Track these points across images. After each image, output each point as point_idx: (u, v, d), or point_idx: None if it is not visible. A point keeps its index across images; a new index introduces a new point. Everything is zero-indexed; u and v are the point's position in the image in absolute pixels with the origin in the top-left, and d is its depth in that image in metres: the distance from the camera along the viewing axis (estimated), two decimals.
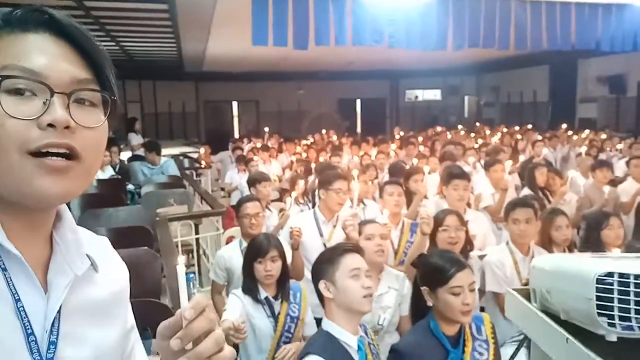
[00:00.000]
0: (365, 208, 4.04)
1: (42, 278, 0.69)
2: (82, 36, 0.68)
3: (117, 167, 6.29)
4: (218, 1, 6.40)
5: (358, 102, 18.77)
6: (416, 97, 18.99)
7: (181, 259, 0.70)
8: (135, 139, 9.21)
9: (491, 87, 16.97)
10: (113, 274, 0.81)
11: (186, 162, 8.92)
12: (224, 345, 0.68)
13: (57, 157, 0.64)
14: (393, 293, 2.53)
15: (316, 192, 4.62)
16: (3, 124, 0.62)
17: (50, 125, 0.63)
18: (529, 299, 0.73)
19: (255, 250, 2.39)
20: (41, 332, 0.66)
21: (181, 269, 0.69)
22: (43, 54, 0.65)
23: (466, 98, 18.72)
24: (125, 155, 8.89)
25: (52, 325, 0.67)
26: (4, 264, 0.65)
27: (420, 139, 9.85)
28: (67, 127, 0.64)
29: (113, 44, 9.53)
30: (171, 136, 15.60)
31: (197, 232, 4.50)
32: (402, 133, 11.47)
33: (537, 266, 0.74)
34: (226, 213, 4.73)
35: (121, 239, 2.93)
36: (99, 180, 5.56)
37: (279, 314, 2.36)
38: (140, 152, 8.76)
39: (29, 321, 0.65)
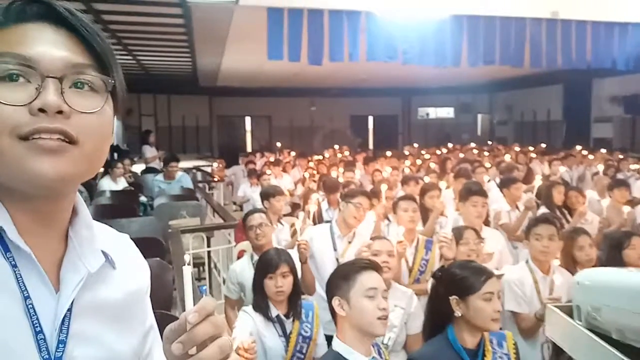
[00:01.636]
0: (390, 224, 3.99)
1: (56, 274, 0.68)
2: (81, 24, 0.67)
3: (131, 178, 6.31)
4: (234, 16, 6.46)
5: (370, 118, 18.79)
6: (427, 114, 18.97)
7: (187, 258, 0.67)
8: (149, 152, 9.26)
9: (505, 106, 16.91)
10: (132, 272, 0.78)
11: (199, 176, 8.94)
12: (230, 352, 0.65)
13: (49, 140, 0.62)
14: (399, 311, 2.46)
15: (325, 210, 4.61)
16: None
17: (42, 110, 0.62)
18: (571, 317, 0.68)
19: (265, 265, 2.32)
20: (50, 330, 0.65)
21: (187, 270, 0.66)
22: (38, 41, 0.64)
23: (479, 116, 18.67)
24: (139, 167, 8.95)
25: (62, 323, 0.65)
26: (14, 261, 0.64)
27: (426, 156, 9.79)
28: (60, 112, 0.62)
29: (130, 57, 9.64)
30: (184, 150, 15.68)
31: (208, 245, 4.47)
32: (408, 151, 11.42)
33: (581, 281, 0.69)
34: (238, 226, 4.69)
35: None
36: (112, 192, 5.59)
37: (290, 333, 2.27)
38: (154, 164, 8.82)
39: (37, 319, 0.64)
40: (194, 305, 0.63)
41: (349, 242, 3.13)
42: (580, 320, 0.67)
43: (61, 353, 0.65)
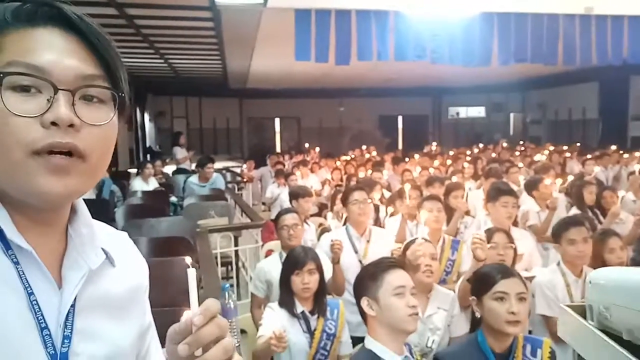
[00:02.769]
0: (419, 225, 3.96)
1: (57, 272, 0.68)
2: (92, 31, 0.67)
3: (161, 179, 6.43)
4: (262, 19, 6.52)
5: (400, 118, 18.65)
6: (458, 114, 18.69)
7: (188, 260, 0.67)
8: (180, 153, 9.44)
9: (538, 104, 16.51)
10: (131, 269, 0.79)
11: (228, 176, 9.05)
12: (233, 353, 0.67)
13: (60, 155, 0.63)
14: (442, 314, 2.41)
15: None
16: (6, 122, 0.61)
17: (54, 123, 0.62)
18: (584, 317, 0.67)
19: (293, 262, 2.36)
20: (55, 326, 0.65)
21: (191, 272, 0.66)
22: (49, 50, 0.64)
23: (512, 115, 18.29)
24: (171, 168, 9.13)
25: (66, 319, 0.66)
26: (16, 258, 0.64)
27: (451, 153, 9.64)
28: (71, 125, 0.63)
29: (162, 61, 9.85)
30: (215, 151, 15.90)
31: (236, 245, 4.53)
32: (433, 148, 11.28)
33: (594, 281, 0.67)
34: (265, 227, 4.74)
35: (161, 248, 2.97)
36: (144, 192, 5.72)
37: (314, 329, 2.30)
38: (185, 165, 8.97)
39: (42, 315, 0.64)
40: (199, 307, 0.65)
41: (368, 241, 3.12)
42: (592, 321, 0.66)
43: (67, 349, 0.65)
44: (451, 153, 10.52)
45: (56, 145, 0.62)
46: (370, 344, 1.77)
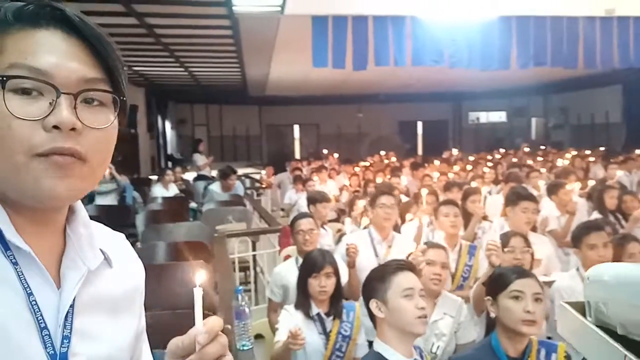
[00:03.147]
0: (435, 230, 3.94)
1: (55, 272, 0.68)
2: (93, 34, 0.67)
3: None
4: (280, 26, 6.58)
5: (419, 124, 18.56)
6: (478, 119, 18.52)
7: (199, 279, 0.68)
8: (200, 160, 9.56)
9: (560, 109, 16.27)
10: (128, 270, 0.80)
11: (247, 182, 9.13)
12: None
13: (64, 157, 0.63)
14: (449, 320, 2.41)
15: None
16: (9, 125, 0.61)
17: (56, 127, 0.62)
18: (584, 314, 0.66)
19: (310, 265, 2.39)
20: (54, 326, 0.65)
21: (198, 291, 0.67)
22: (51, 52, 0.64)
23: (533, 120, 18.04)
24: (191, 175, 9.25)
25: (65, 319, 0.66)
26: (15, 259, 0.64)
27: (471, 158, 9.54)
28: (73, 129, 0.63)
29: (182, 69, 10.00)
30: (235, 158, 16.06)
31: (254, 250, 4.56)
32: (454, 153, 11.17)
33: (592, 276, 0.67)
34: (283, 232, 4.76)
35: (179, 253, 3.01)
36: (164, 198, 5.80)
37: (330, 331, 2.32)
38: (205, 171, 9.08)
39: (42, 315, 0.64)
40: (202, 324, 0.66)
41: (389, 247, 3.11)
42: (590, 317, 0.66)
43: (66, 349, 0.65)
44: (471, 158, 10.44)
45: (58, 150, 0.62)
46: (378, 346, 1.78)
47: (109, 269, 0.74)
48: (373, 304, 1.82)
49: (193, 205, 6.03)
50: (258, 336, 2.96)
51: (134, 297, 0.80)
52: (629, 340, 0.58)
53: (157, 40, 7.23)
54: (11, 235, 0.64)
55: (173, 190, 6.30)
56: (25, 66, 0.62)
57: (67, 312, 0.66)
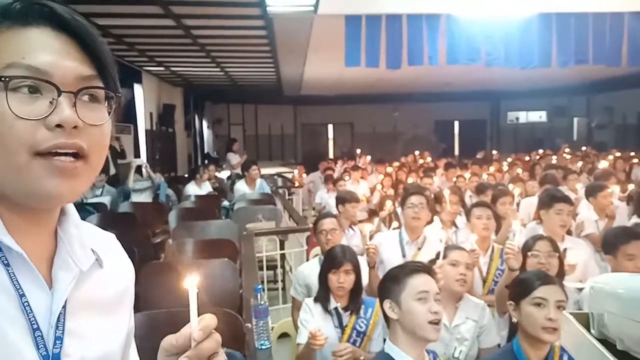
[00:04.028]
0: (458, 231, 3.88)
1: (47, 273, 0.68)
2: (83, 31, 0.66)
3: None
4: (314, 26, 6.60)
5: (456, 123, 18.25)
6: (517, 118, 18.06)
7: (193, 280, 0.68)
8: (234, 159, 9.69)
9: (604, 108, 15.68)
10: (119, 270, 0.80)
11: (279, 182, 9.19)
12: None
13: (65, 157, 0.63)
14: (471, 324, 2.36)
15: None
16: (12, 125, 0.61)
17: (59, 125, 0.62)
18: (588, 326, 0.63)
19: (331, 261, 2.43)
20: (47, 327, 0.65)
21: (193, 291, 0.67)
22: (47, 51, 0.63)
23: (575, 120, 17.46)
24: (226, 173, 9.39)
25: (58, 320, 0.66)
26: (6, 260, 0.64)
27: (509, 159, 9.28)
28: (75, 127, 0.63)
29: (218, 69, 10.16)
30: (270, 157, 16.21)
31: (282, 248, 4.58)
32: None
33: (596, 286, 0.64)
34: (312, 231, 4.77)
35: (207, 250, 3.06)
36: (197, 196, 5.91)
37: (346, 326, 2.37)
38: (239, 170, 9.20)
39: (34, 316, 0.64)
40: (197, 322, 0.66)
41: (419, 249, 3.08)
42: (594, 329, 0.62)
43: (58, 350, 0.66)
44: (509, 159, 10.19)
45: (62, 145, 0.62)
46: (389, 348, 1.76)
47: (100, 270, 0.74)
48: (386, 304, 1.81)
49: (226, 203, 6.11)
50: (284, 335, 2.98)
51: (124, 297, 0.80)
52: (630, 357, 0.55)
53: (194, 41, 7.37)
54: (3, 235, 0.64)
55: (206, 189, 6.40)
56: (24, 65, 0.62)
57: (60, 313, 0.67)
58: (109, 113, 0.70)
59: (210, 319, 0.67)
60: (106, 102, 0.70)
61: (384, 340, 2.22)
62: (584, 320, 0.65)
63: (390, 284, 1.83)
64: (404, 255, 3.06)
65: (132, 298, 0.83)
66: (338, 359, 2.17)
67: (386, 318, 1.85)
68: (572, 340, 0.66)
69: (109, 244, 0.81)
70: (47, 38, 0.64)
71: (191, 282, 0.68)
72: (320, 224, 3.09)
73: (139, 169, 5.94)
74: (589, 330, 0.64)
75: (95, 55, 0.67)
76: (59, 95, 0.63)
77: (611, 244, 2.66)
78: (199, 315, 0.67)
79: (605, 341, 0.60)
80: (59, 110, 0.62)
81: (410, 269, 1.84)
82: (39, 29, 0.64)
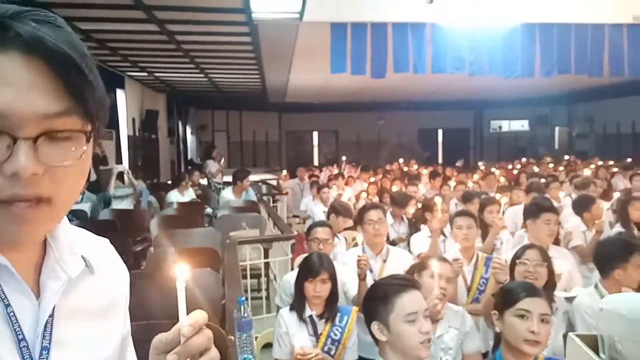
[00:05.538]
0: (446, 240, 3.85)
1: (35, 281, 0.66)
2: (57, 56, 0.56)
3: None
4: (299, 33, 6.58)
5: (440, 132, 18.41)
6: (500, 127, 18.29)
7: (181, 273, 0.66)
8: (213, 166, 9.57)
9: (585, 118, 15.96)
10: (111, 276, 0.78)
11: (264, 189, 9.11)
12: None
13: (25, 203, 0.57)
14: (454, 332, 2.35)
15: (390, 225, 4.50)
16: None
17: (15, 173, 0.56)
18: (595, 349, 0.59)
19: (307, 270, 2.42)
20: (33, 337, 0.64)
21: (181, 285, 0.65)
22: (7, 85, 0.55)
23: (557, 129, 17.73)
24: (204, 181, 9.27)
25: (45, 330, 0.64)
26: None
27: (496, 172, 9.34)
28: (34, 174, 0.56)
29: (202, 75, 10.08)
30: (254, 164, 16.15)
31: (266, 257, 4.52)
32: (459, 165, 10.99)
33: (609, 308, 0.60)
34: (298, 239, 4.71)
35: (189, 259, 2.98)
36: (179, 203, 5.81)
37: (320, 334, 2.36)
38: (217, 179, 9.10)
39: (19, 327, 0.63)
40: (187, 318, 0.64)
41: (384, 261, 3.05)
42: (604, 353, 0.58)
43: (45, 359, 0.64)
44: (493, 169, 10.25)
45: (18, 197, 0.57)
46: None
47: (91, 276, 0.72)
48: (374, 327, 1.75)
49: (209, 210, 6.03)
50: (269, 345, 2.92)
51: (117, 303, 0.78)
52: None
53: (178, 46, 7.30)
54: None
55: (189, 196, 6.31)
56: None
57: (47, 322, 0.65)
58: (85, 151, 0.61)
59: (200, 315, 0.65)
60: (85, 135, 0.61)
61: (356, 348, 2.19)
62: (592, 342, 0.61)
63: (377, 304, 1.76)
64: (371, 271, 3.01)
65: (126, 302, 0.81)
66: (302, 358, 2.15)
67: (373, 336, 1.80)
68: None
69: (101, 249, 0.79)
70: (12, 67, 0.55)
71: (180, 275, 0.66)
72: (314, 232, 3.05)
73: (120, 176, 5.84)
74: (597, 353, 0.61)
75: (70, 84, 0.58)
76: (15, 142, 0.55)
77: (611, 262, 2.59)
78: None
79: None
80: (14, 159, 0.55)
81: (398, 286, 1.77)
82: (6, 55, 0.55)
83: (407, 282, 1.80)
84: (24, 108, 0.55)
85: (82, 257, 0.72)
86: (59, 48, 0.56)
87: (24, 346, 0.63)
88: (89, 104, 0.59)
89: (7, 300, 0.62)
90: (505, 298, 1.85)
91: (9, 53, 0.55)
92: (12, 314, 0.62)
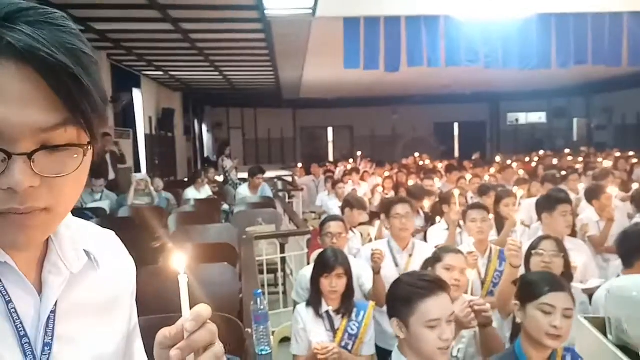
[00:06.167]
0: (462, 232, 3.84)
1: (37, 277, 0.66)
2: (52, 66, 0.53)
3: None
4: (312, 29, 6.58)
5: (456, 125, 18.26)
6: (517, 120, 18.08)
7: (182, 265, 0.65)
8: (228, 162, 9.63)
9: (603, 109, 15.70)
10: (116, 270, 0.77)
11: (279, 185, 9.15)
12: (222, 359, 0.66)
13: (21, 214, 0.57)
14: None
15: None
16: None
17: (10, 188, 0.55)
18: (604, 331, 0.60)
19: (323, 265, 2.41)
20: (35, 333, 0.63)
21: (183, 279, 0.64)
22: (1, 99, 0.53)
23: (575, 120, 17.47)
24: (220, 178, 9.32)
25: (47, 326, 0.64)
26: None
27: (513, 165, 9.24)
28: (31, 186, 0.56)
29: (217, 73, 10.15)
30: (270, 160, 16.22)
31: (282, 252, 4.55)
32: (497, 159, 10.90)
33: (615, 291, 0.60)
34: (313, 234, 4.73)
35: (206, 254, 3.02)
36: (196, 200, 5.87)
37: (337, 329, 2.36)
38: (232, 176, 9.14)
39: (21, 323, 0.62)
40: (190, 312, 0.63)
41: (410, 255, 3.04)
42: (611, 335, 0.59)
43: (47, 356, 0.64)
44: (509, 162, 10.16)
45: (15, 211, 0.56)
46: (398, 358, 1.71)
47: (95, 271, 0.71)
48: (394, 323, 1.72)
49: (225, 207, 6.07)
50: (286, 339, 2.95)
51: (123, 296, 0.77)
52: None
53: (193, 45, 7.36)
54: None
55: (206, 192, 6.37)
56: None
57: (49, 318, 0.64)
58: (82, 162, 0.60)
59: (203, 309, 0.64)
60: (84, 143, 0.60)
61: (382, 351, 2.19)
62: (600, 325, 0.62)
63: (400, 303, 1.70)
64: (397, 265, 3.02)
65: (133, 295, 0.80)
66: (321, 357, 2.14)
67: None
68: (588, 346, 0.63)
69: (106, 242, 0.78)
70: (4, 79, 0.53)
71: (180, 267, 0.64)
72: (327, 226, 3.06)
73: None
74: (605, 335, 0.61)
75: (66, 95, 0.55)
76: (9, 158, 0.54)
77: (628, 254, 2.57)
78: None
79: (625, 348, 0.57)
80: (9, 174, 0.54)
81: (424, 289, 1.67)
82: (0, 64, 0.53)
83: (434, 284, 1.70)
84: (18, 123, 0.54)
85: (86, 251, 0.71)
86: (54, 57, 0.53)
87: (26, 342, 0.62)
88: (86, 114, 0.57)
89: (9, 297, 0.62)
90: (529, 290, 1.82)
91: (3, 62, 0.53)
92: (13, 310, 0.62)
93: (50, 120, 0.55)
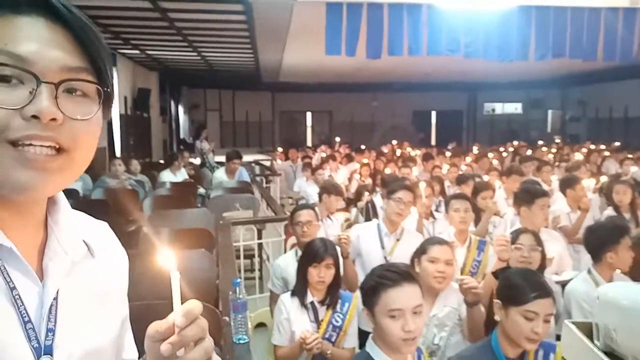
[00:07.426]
0: (435, 222, 3.88)
1: (38, 264, 0.68)
2: (78, 23, 0.65)
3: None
4: (294, 12, 6.49)
5: (433, 114, 18.39)
6: (493, 110, 18.30)
7: (171, 260, 0.65)
8: (205, 145, 9.51)
9: (578, 101, 16.01)
10: (111, 259, 0.80)
11: (257, 169, 9.09)
12: (212, 354, 0.68)
13: (40, 149, 0.61)
14: (449, 309, 2.32)
15: (379, 207, 4.53)
16: None
17: (35, 116, 0.60)
18: (590, 336, 0.60)
19: (312, 254, 2.37)
20: (38, 319, 0.65)
21: (175, 276, 0.65)
22: (33, 39, 0.62)
23: (549, 112, 17.78)
24: (196, 162, 9.21)
25: (50, 312, 0.66)
26: None
27: (490, 154, 9.37)
28: (53, 119, 0.61)
29: (195, 54, 9.95)
30: (247, 144, 16.08)
31: (259, 237, 4.53)
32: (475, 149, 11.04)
33: (604, 297, 0.60)
34: (290, 221, 4.72)
35: (183, 240, 2.99)
36: (172, 183, 5.79)
37: (322, 320, 2.34)
38: (210, 158, 9.04)
39: (25, 309, 0.64)
40: (181, 308, 0.65)
41: (397, 240, 3.06)
42: (598, 341, 0.59)
43: (51, 341, 0.65)
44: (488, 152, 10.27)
45: (35, 136, 0.60)
46: (370, 347, 1.71)
47: (92, 259, 0.74)
48: (364, 312, 1.74)
49: (202, 191, 6.01)
50: (261, 325, 2.95)
51: (118, 286, 0.80)
52: None
53: (171, 24, 7.18)
54: None
55: (182, 176, 6.28)
56: (5, 52, 0.60)
57: (51, 304, 0.67)
58: (104, 109, 0.67)
59: (194, 305, 0.66)
60: (97, 97, 0.67)
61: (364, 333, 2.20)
62: (587, 330, 0.62)
63: (367, 292, 1.73)
64: (382, 247, 3.05)
65: (125, 285, 0.83)
66: (306, 346, 2.15)
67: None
68: (575, 351, 0.63)
69: (101, 232, 0.81)
70: (37, 27, 0.62)
71: (171, 264, 0.66)
72: (297, 215, 3.03)
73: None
74: (592, 340, 0.62)
75: (87, 47, 0.65)
76: (38, 86, 0.60)
77: (599, 246, 2.63)
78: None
79: (612, 354, 0.57)
80: (36, 101, 0.60)
81: (389, 280, 1.68)
82: (31, 17, 0.62)
83: (400, 275, 1.69)
84: (48, 59, 0.62)
85: (84, 241, 0.73)
86: (79, 17, 0.65)
87: (30, 328, 0.64)
88: (102, 67, 0.66)
89: (13, 284, 0.64)
90: (513, 294, 1.80)
91: (34, 16, 0.62)
92: (17, 296, 0.64)
93: (75, 62, 0.64)
